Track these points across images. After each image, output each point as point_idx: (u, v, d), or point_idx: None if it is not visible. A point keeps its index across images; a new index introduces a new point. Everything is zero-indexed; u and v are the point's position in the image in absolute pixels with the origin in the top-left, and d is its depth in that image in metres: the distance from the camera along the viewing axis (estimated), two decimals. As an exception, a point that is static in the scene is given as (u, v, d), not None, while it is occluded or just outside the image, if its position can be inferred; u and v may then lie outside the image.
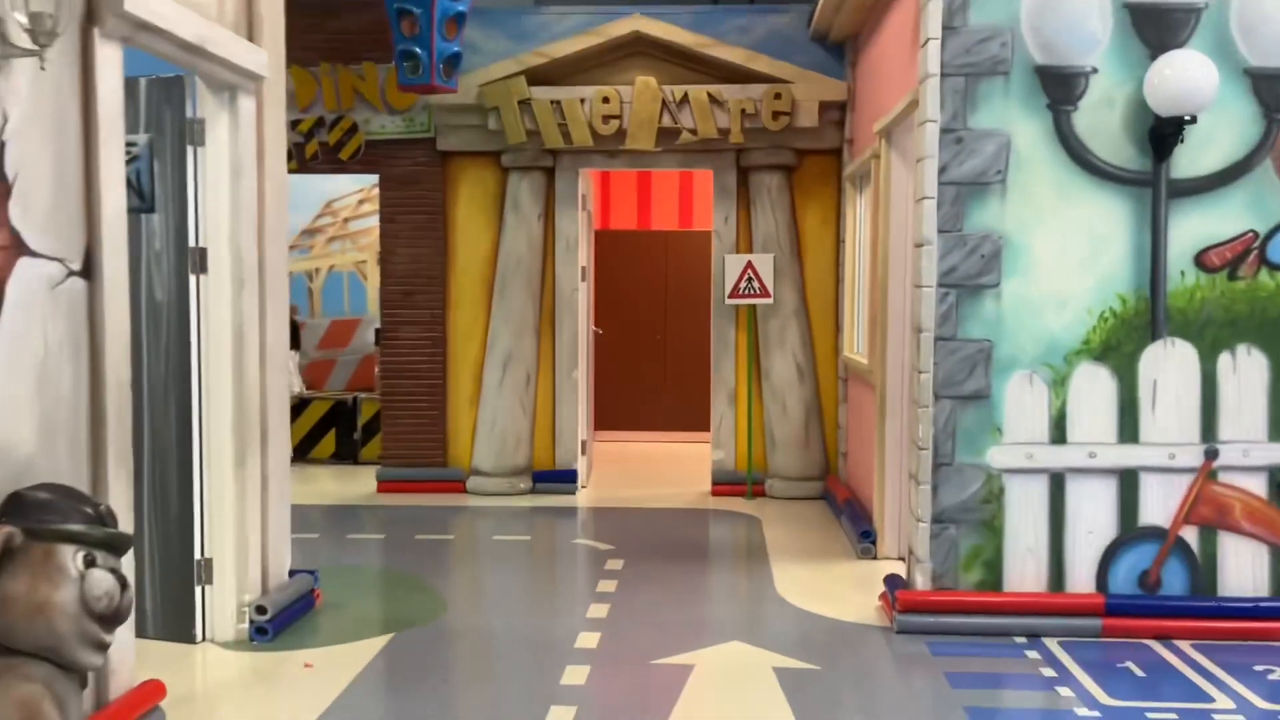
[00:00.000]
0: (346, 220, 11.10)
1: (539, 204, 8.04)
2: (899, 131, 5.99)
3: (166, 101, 4.53)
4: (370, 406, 9.37)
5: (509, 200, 8.05)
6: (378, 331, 9.00)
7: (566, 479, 8.09)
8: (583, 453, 8.32)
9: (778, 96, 7.68)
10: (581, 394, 8.26)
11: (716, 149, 7.95)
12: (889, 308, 6.08)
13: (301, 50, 7.90)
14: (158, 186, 4.55)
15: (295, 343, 9.89)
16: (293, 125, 7.97)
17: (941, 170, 4.84)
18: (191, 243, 4.58)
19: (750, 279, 7.83)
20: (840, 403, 7.93)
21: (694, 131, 7.76)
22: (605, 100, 7.71)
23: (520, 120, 7.74)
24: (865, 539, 6.24)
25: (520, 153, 7.93)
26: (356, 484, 8.47)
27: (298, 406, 9.55)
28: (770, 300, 7.84)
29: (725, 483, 8.08)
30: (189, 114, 4.53)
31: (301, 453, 9.52)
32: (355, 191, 10.84)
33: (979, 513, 4.87)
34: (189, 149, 4.54)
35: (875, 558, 6.19)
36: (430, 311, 8.10)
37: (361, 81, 7.95)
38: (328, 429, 9.49)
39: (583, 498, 8.05)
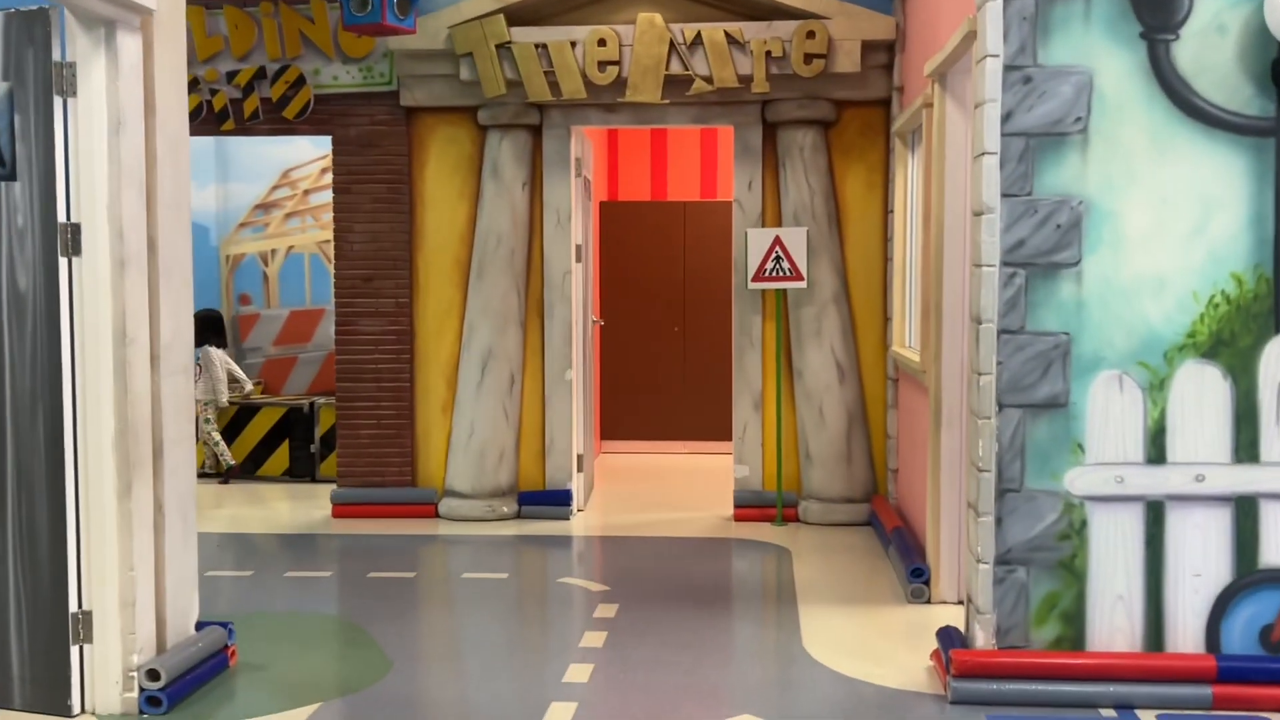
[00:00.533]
0: (307, 193, 10.74)
1: (523, 169, 7.64)
2: (955, 73, 5.53)
3: (28, 41, 4.15)
4: (330, 414, 9.01)
5: (487, 165, 7.65)
6: (336, 324, 8.66)
7: (558, 501, 7.69)
8: (579, 469, 7.91)
9: (810, 35, 7.23)
10: (577, 399, 7.86)
11: (737, 101, 7.51)
12: (944, 292, 5.63)
13: (236, -13, 7.54)
14: (18, 147, 4.18)
15: (221, 338, 9.48)
16: (228, 78, 7.62)
17: (1005, 118, 4.38)
18: (61, 217, 4.21)
19: (778, 258, 7.38)
20: (889, 408, 7.47)
21: (709, 80, 7.32)
22: (601, 43, 7.29)
23: (498, 69, 7.33)
24: (916, 578, 5.79)
25: (500, 108, 7.53)
26: (311, 506, 8.12)
27: (242, 414, 9.21)
28: (803, 284, 7.40)
29: (750, 505, 7.66)
30: (56, 56, 4.16)
31: (249, 469, 9.19)
32: (318, 158, 10.47)
33: (1055, 552, 4.41)
34: (57, 100, 4.16)
35: (929, 601, 5.75)
36: (394, 300, 7.73)
37: (309, 24, 7.57)
38: (280, 440, 9.14)
39: (578, 524, 7.64)
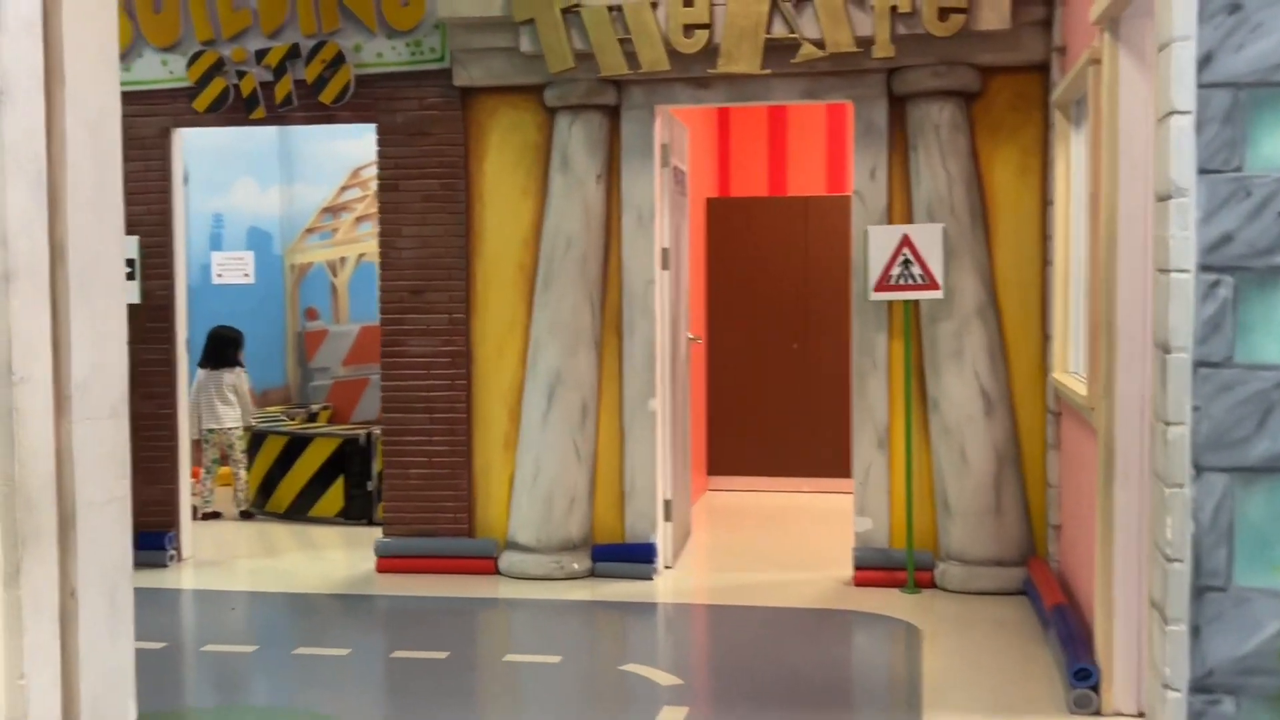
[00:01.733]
0: (380, 193, 10.05)
1: (598, 159, 6.72)
2: (1132, 15, 4.39)
3: (-107, -8, 3.40)
4: (388, 446, 8.24)
5: (555, 155, 6.75)
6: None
7: (639, 557, 6.73)
8: (666, 518, 6.94)
9: (947, -15, 6.13)
10: (663, 433, 6.89)
11: (855, 69, 6.45)
12: (1118, 306, 4.49)
13: (262, -49, 6.83)
14: (-118, 129, 3.43)
15: (231, 356, 8.79)
16: (257, 57, 6.90)
17: (1204, 62, 3.25)
18: (-66, 218, 3.43)
19: (907, 262, 6.29)
20: (1049, 449, 6.30)
21: (820, 43, 6.28)
22: (688, 2, 6.32)
23: (565, 38, 6.43)
24: (1082, 681, 4.64)
25: (569, 86, 6.63)
26: (360, 556, 7.34)
27: (293, 446, 8.52)
28: (939, 294, 6.29)
29: (875, 566, 6.56)
30: (-76, 10, 3.39)
31: (301, 509, 8.48)
32: (388, 154, 9.74)
33: (1277, 677, 3.26)
34: (-73, 66, 3.40)
35: (1098, 713, 4.60)
36: (448, 316, 6.89)
37: (349, -8, 6.81)
38: (334, 476, 8.41)
39: (663, 586, 6.67)
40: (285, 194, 10.22)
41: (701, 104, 6.79)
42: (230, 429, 8.65)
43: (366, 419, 10.03)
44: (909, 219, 6.51)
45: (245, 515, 8.64)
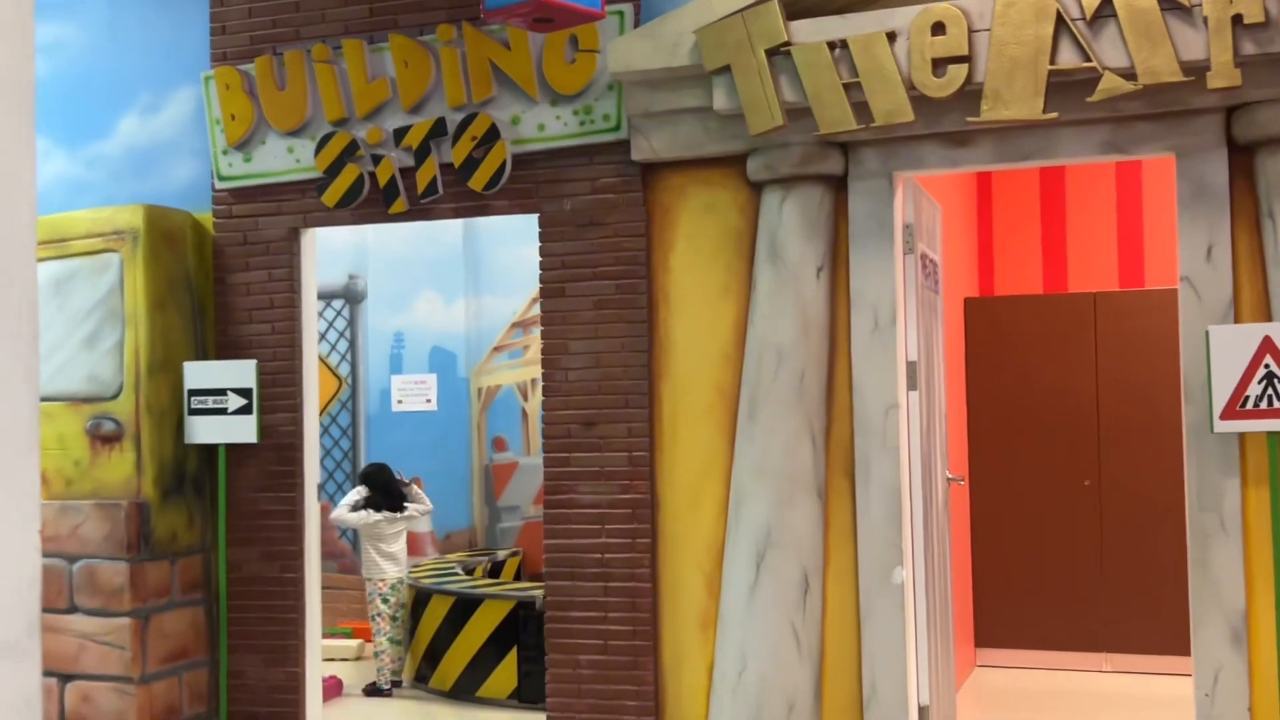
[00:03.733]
0: (577, 303, 8.68)
1: (818, 246, 5.08)
2: None
3: None
4: (569, 611, 6.65)
5: (762, 242, 5.16)
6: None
7: (885, 790, 4.87)
8: (921, 731, 5.07)
9: (1319, -25, 4.26)
10: (915, 613, 5.07)
11: (1180, 110, 4.62)
12: None
13: (401, 6, 5.60)
14: None
15: (395, 500, 7.53)
16: (395, 138, 5.62)
17: None
18: None
19: (1271, 377, 4.34)
20: None
21: (1128, 74, 4.49)
22: (938, 28, 4.67)
23: (772, 88, 4.86)
24: None
25: (779, 153, 5.05)
26: (520, 761, 5.75)
27: (459, 609, 7.07)
28: (1323, 421, 4.29)
29: (1233, 819, 4.49)
30: None
31: (468, 686, 6.98)
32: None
33: None
34: None
35: None
36: (627, 455, 5.32)
37: (504, 52, 5.46)
38: (506, 648, 6.89)
39: (919, 832, 4.78)
40: (471, 308, 8.99)
41: (958, 168, 5.06)
42: (391, 580, 7.39)
43: (560, 568, 8.57)
44: (1267, 314, 4.57)
45: (377, 691, 7.32)
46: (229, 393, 5.75)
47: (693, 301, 5.29)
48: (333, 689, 7.02)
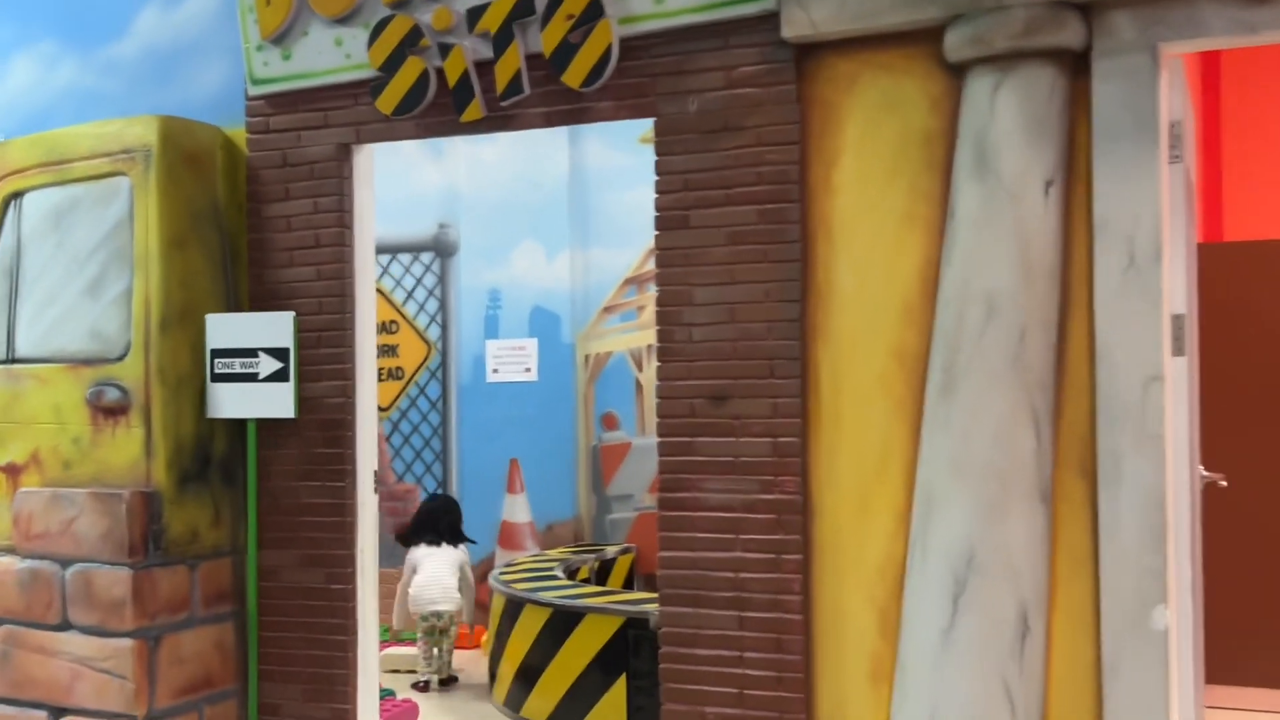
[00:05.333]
0: (702, 257, 7.32)
1: (1048, 153, 3.60)
2: None
3: None
4: (691, 633, 5.27)
5: (966, 149, 3.70)
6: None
7: None
8: (1187, 837, 3.60)
9: None
10: (1180, 667, 3.59)
11: None
12: None
13: None
14: None
15: (454, 532, 6.67)
16: (469, 20, 4.29)
17: None
18: None
19: None
20: None
21: None
22: None
23: (986, -77, 3.40)
24: None
25: (993, 19, 3.59)
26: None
27: (557, 622, 5.77)
28: None
29: None
30: None
31: (570, 716, 5.68)
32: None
33: None
34: None
35: None
36: (770, 442, 3.93)
37: (611, -96, 4.09)
38: (615, 673, 5.57)
39: None
40: (578, 262, 7.68)
41: (1256, 35, 3.53)
42: (451, 612, 6.57)
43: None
44: None
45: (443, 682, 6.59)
46: (260, 354, 4.51)
47: (864, 233, 3.87)
48: (407, 717, 5.80)
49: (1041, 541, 3.61)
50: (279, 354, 4.49)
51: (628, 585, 7.38)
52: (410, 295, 7.97)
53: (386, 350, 8.04)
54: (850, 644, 3.85)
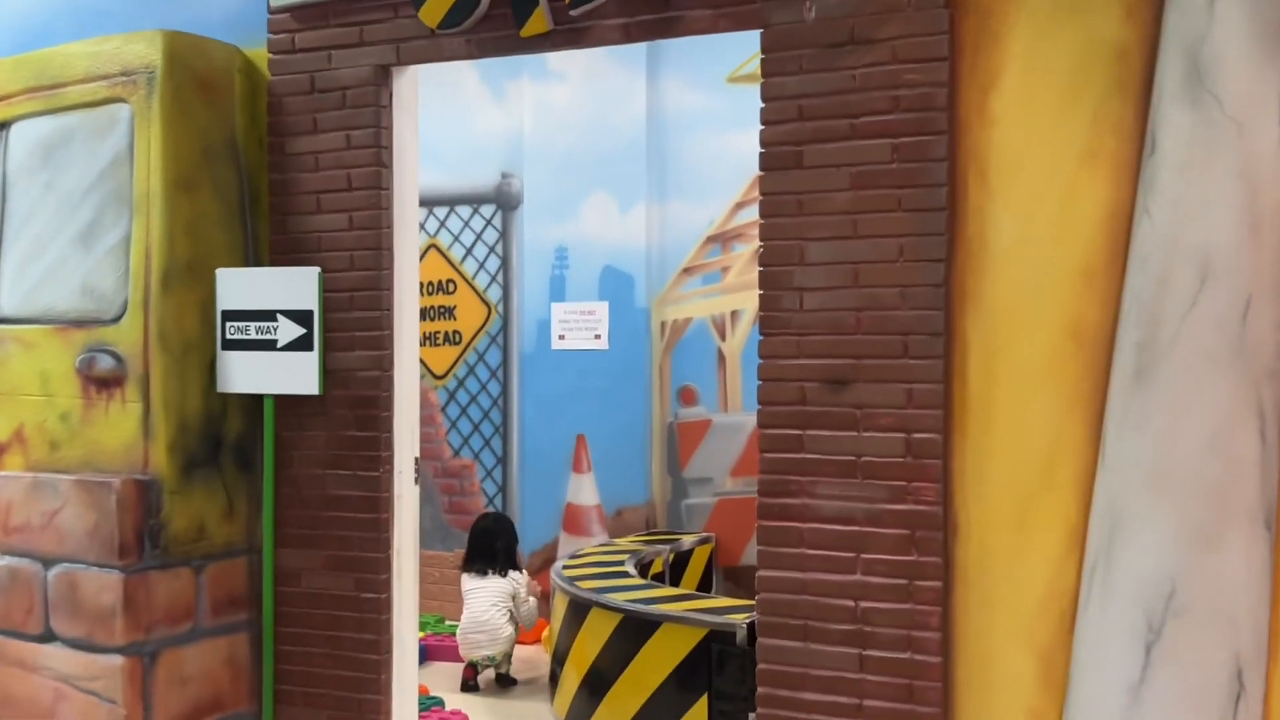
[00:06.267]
0: (795, 212, 6.48)
1: (1284, 68, 2.75)
2: None
3: None
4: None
5: (1171, 66, 2.85)
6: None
7: None
8: None
9: None
10: None
11: None
12: None
13: None
14: None
15: (507, 556, 5.96)
16: (532, -86, 3.48)
17: None
18: None
19: None
20: None
21: None
22: None
23: None
24: None
25: (1215, -110, 2.73)
26: None
27: (629, 631, 5.01)
28: None
29: None
30: None
31: (640, 736, 4.94)
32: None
33: None
34: None
35: None
36: (902, 437, 3.12)
37: None
38: (696, 691, 4.80)
39: None
40: (655, 216, 6.88)
41: None
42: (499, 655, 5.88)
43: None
44: None
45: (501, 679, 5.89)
46: (280, 317, 3.78)
47: (1029, 175, 3.03)
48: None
49: (1263, 577, 2.78)
50: (302, 318, 3.76)
51: (705, 580, 6.62)
52: (469, 252, 7.24)
53: (443, 312, 7.32)
54: (1001, 697, 3.05)
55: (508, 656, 5.89)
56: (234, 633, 3.93)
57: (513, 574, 5.91)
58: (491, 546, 5.91)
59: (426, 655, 6.32)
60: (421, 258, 7.37)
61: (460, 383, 7.27)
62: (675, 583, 6.34)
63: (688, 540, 6.54)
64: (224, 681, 3.88)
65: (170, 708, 3.70)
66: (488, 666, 5.85)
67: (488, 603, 5.77)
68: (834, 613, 3.19)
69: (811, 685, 3.22)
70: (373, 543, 3.84)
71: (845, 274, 3.19)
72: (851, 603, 3.18)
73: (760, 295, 3.32)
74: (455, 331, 7.30)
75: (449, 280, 7.31)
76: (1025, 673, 3.02)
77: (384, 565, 3.84)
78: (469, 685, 5.83)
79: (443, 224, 7.30)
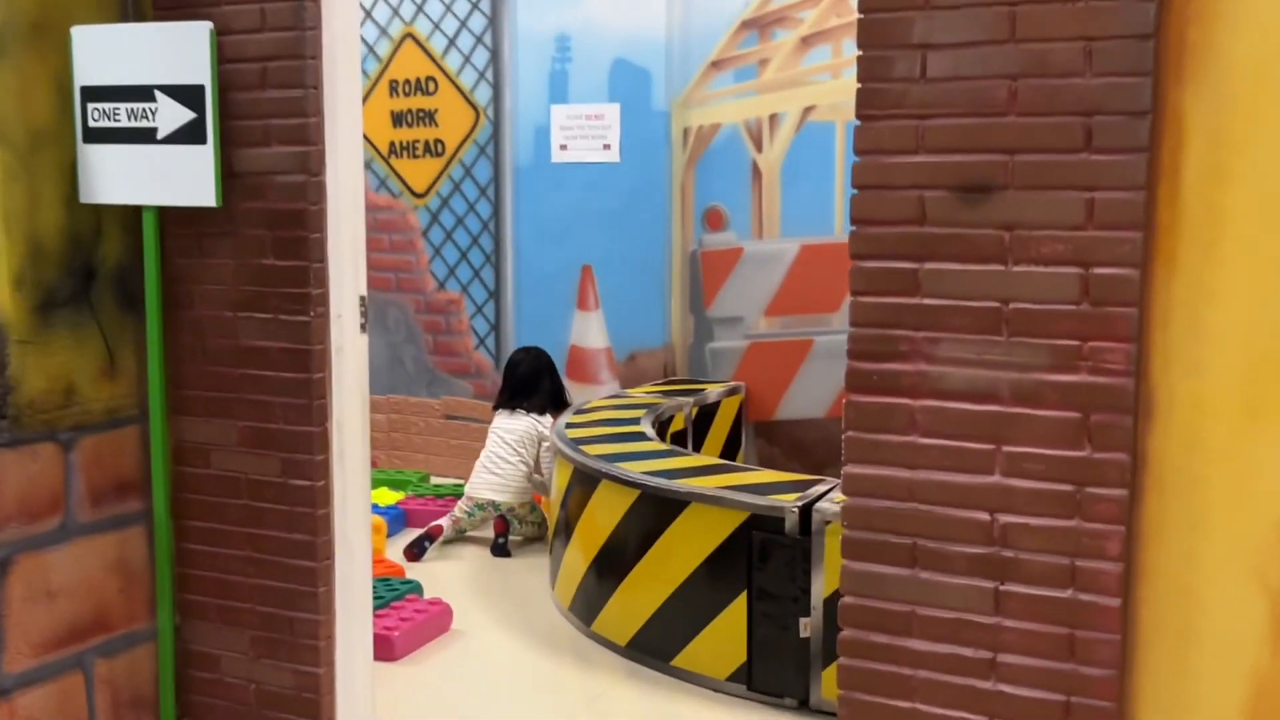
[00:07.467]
0: (848, -7, 5.38)
1: None
2: None
3: None
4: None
5: None
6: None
7: None
8: None
9: None
10: None
11: None
12: None
13: None
14: None
15: (558, 399, 5.35)
16: None
17: None
18: None
19: None
20: None
21: None
22: None
23: None
24: None
25: None
26: None
27: (653, 511, 4.04)
28: None
29: None
30: None
31: (660, 648, 4.02)
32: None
33: None
34: None
35: None
36: (1076, 273, 2.07)
37: None
38: (732, 591, 3.85)
39: None
40: (679, 2, 5.69)
41: None
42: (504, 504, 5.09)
43: (807, 415, 5.53)
44: None
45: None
46: (158, 94, 2.69)
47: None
48: (435, 626, 4.19)
49: None
50: (189, 96, 2.67)
51: (733, 439, 5.66)
52: (453, 43, 6.08)
53: (422, 117, 6.22)
54: (1211, 657, 2.08)
55: (521, 519, 5.03)
56: (124, 527, 2.96)
57: (536, 415, 5.09)
58: (525, 381, 5.26)
59: (406, 521, 5.45)
60: (395, 50, 6.23)
61: (444, 202, 6.22)
62: (699, 441, 5.39)
63: (713, 391, 5.56)
64: (110, 592, 2.92)
65: (32, 631, 2.75)
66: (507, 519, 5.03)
67: (500, 441, 5.01)
68: (959, 530, 2.20)
69: (921, 630, 2.25)
70: (302, 412, 2.83)
71: (995, 21, 2.09)
72: (986, 516, 2.17)
73: (859, 60, 2.23)
74: (437, 141, 6.21)
75: (429, 78, 6.18)
76: (1252, 623, 2.04)
77: (319, 442, 2.84)
78: (498, 546, 4.98)
79: (420, 9, 6.13)
